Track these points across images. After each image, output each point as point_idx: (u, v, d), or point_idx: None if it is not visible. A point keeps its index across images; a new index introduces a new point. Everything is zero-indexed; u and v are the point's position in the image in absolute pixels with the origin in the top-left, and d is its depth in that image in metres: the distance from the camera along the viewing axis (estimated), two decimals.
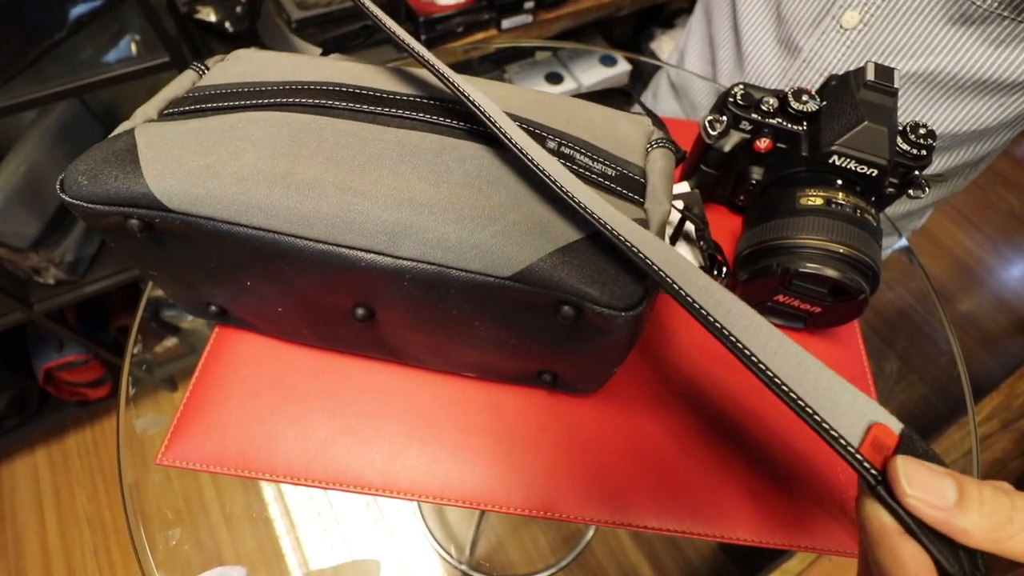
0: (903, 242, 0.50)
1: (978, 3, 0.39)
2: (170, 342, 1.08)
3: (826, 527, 0.30)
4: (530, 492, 0.30)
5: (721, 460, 0.31)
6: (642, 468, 0.31)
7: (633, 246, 0.21)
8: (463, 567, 0.72)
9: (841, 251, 0.31)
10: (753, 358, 0.19)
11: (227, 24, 0.99)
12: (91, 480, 1.11)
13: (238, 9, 1.01)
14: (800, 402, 0.18)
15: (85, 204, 0.23)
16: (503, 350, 0.27)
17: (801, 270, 0.31)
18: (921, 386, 1.12)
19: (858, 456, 0.17)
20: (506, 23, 0.93)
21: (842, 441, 0.18)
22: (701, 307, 0.20)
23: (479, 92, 0.25)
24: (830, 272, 0.31)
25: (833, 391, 0.18)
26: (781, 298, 0.34)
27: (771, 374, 0.19)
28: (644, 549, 0.99)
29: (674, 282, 0.20)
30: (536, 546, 0.91)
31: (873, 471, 0.17)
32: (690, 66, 0.64)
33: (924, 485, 0.16)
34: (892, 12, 0.43)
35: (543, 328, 0.25)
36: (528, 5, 0.92)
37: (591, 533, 0.83)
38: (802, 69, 0.49)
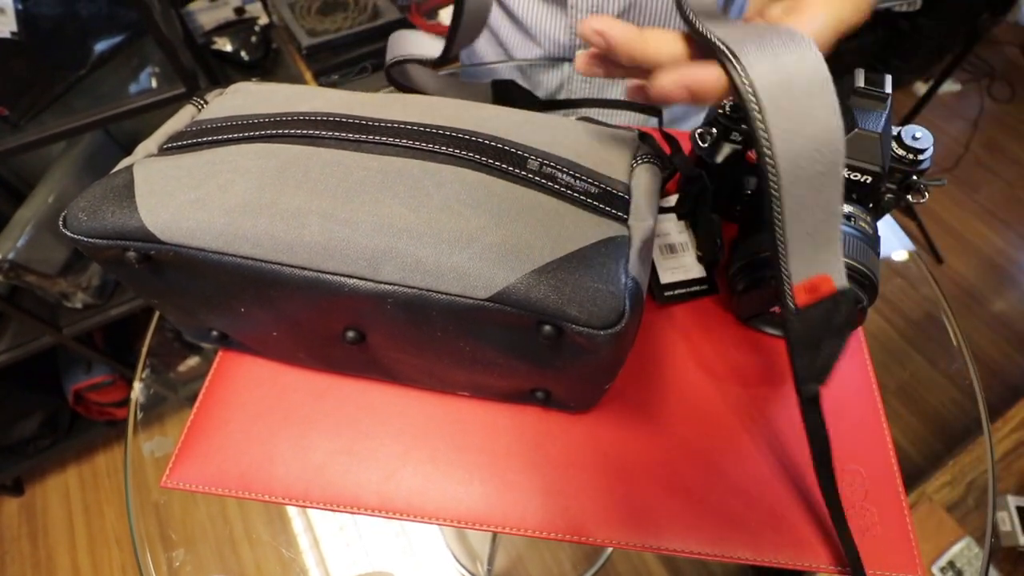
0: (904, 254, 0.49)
1: None
2: (193, 361, 1.11)
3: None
4: (525, 512, 0.30)
5: (721, 478, 0.31)
6: (641, 487, 0.31)
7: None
8: None
9: None
10: None
11: (243, 53, 1.02)
12: (119, 498, 1.14)
13: (253, 39, 1.04)
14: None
15: (85, 239, 0.24)
16: (491, 370, 0.27)
17: None
18: (952, 389, 1.08)
19: None
20: None
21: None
22: None
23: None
24: None
25: None
26: (778, 309, 0.33)
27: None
28: (667, 565, 0.97)
29: None
30: (556, 560, 0.90)
31: None
32: (481, 53, 0.62)
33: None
34: None
35: (528, 348, 0.25)
36: None
37: (611, 548, 0.82)
38: (576, 16, 0.49)
